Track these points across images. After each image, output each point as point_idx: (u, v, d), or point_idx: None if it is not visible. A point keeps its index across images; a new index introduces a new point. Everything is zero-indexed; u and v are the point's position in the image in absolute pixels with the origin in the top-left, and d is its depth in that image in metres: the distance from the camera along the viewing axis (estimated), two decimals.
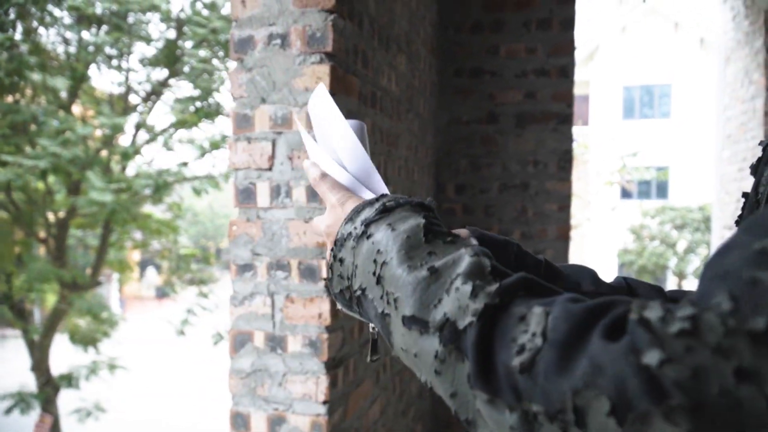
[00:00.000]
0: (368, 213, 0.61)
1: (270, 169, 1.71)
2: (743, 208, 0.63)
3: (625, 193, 20.22)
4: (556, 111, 3.01)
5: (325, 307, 1.72)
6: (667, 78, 21.59)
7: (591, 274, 0.73)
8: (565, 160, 3.03)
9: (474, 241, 0.55)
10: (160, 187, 8.53)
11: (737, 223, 0.63)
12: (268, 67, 1.68)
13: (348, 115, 1.79)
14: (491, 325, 0.45)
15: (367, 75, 1.94)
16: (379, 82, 2.08)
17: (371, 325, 0.64)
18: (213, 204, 21.65)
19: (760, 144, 0.63)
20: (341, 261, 0.61)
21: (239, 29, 1.69)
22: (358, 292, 0.58)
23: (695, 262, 16.52)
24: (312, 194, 1.69)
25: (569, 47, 2.98)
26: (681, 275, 16.78)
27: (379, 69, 2.08)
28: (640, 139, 19.81)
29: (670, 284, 17.84)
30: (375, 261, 0.56)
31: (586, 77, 20.71)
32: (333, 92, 1.65)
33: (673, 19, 20.27)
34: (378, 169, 2.08)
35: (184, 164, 9.22)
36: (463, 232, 0.71)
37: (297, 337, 1.73)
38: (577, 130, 20.31)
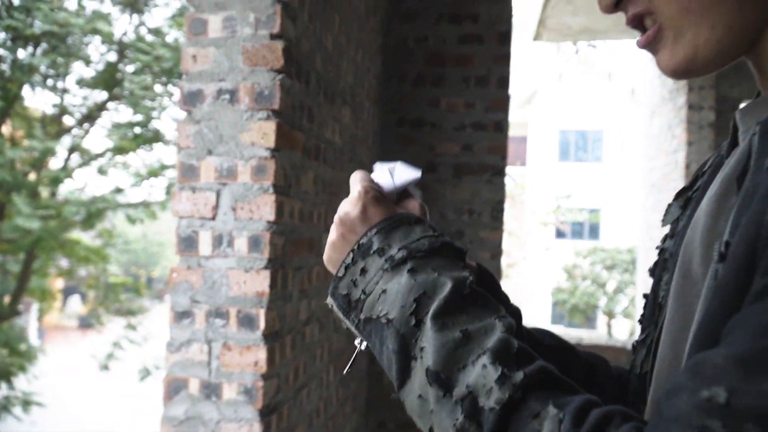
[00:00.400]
0: (406, 238, 0.60)
1: (213, 218, 1.74)
2: (645, 308, 0.68)
3: (560, 234, 20.90)
4: (491, 163, 3.16)
5: (261, 355, 1.75)
6: (600, 124, 22.68)
7: (549, 333, 0.79)
8: (498, 210, 3.18)
9: (503, 310, 0.57)
10: (92, 214, 8.30)
11: (641, 321, 0.68)
12: (216, 120, 1.73)
13: (293, 169, 1.85)
14: (509, 414, 0.49)
15: (312, 129, 2.02)
16: (323, 135, 2.16)
17: (359, 339, 0.64)
18: (147, 231, 21.07)
19: (656, 248, 0.69)
20: (363, 271, 0.60)
21: (189, 82, 1.74)
22: (383, 320, 0.57)
23: (623, 302, 17.18)
24: (254, 244, 1.73)
25: (504, 104, 3.16)
26: (610, 314, 17.40)
27: (323, 122, 2.16)
28: (574, 182, 20.60)
29: (600, 323, 18.46)
30: (417, 301, 0.56)
31: (524, 119, 21.49)
32: (278, 148, 1.72)
33: (606, 69, 21.41)
34: (319, 219, 2.14)
35: (119, 191, 9.01)
36: (470, 264, 0.72)
37: (232, 384, 1.75)
38: (514, 171, 20.98)
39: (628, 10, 0.56)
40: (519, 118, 20.96)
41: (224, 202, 1.74)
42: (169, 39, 8.88)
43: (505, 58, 3.17)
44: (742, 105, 0.58)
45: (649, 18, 0.55)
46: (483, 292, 0.59)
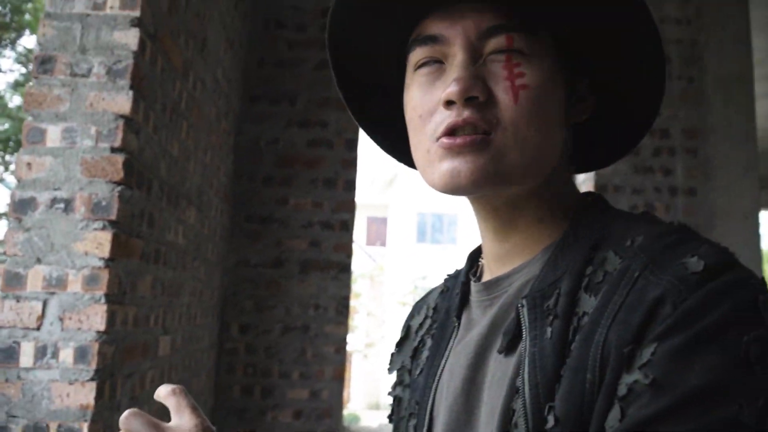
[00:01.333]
0: None
1: (38, 328, 1.70)
2: None
3: None
4: (337, 260, 3.31)
5: None
6: (455, 208, 24.03)
7: None
8: (343, 306, 3.31)
9: None
10: None
11: None
12: (48, 229, 1.72)
13: (129, 276, 1.86)
14: None
15: (152, 234, 2.05)
16: (164, 238, 2.19)
17: None
18: None
19: (389, 394, 0.77)
20: None
21: (21, 190, 1.73)
22: None
23: None
24: (81, 355, 1.70)
25: (351, 205, 3.36)
26: None
27: (166, 225, 2.20)
28: (430, 263, 21.43)
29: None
30: None
31: (385, 201, 22.29)
32: (113, 257, 1.74)
33: None
34: (156, 322, 2.14)
35: None
36: None
37: None
38: (374, 251, 21.52)
39: (463, 112, 0.56)
40: (380, 199, 21.74)
41: (51, 312, 1.71)
42: (11, 105, 8.37)
43: (352, 163, 3.40)
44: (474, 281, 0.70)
45: (469, 127, 0.57)
46: None
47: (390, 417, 0.76)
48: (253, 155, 3.34)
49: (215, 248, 2.98)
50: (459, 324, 0.68)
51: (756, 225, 3.60)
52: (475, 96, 0.56)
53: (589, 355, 0.51)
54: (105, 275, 1.72)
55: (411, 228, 22.87)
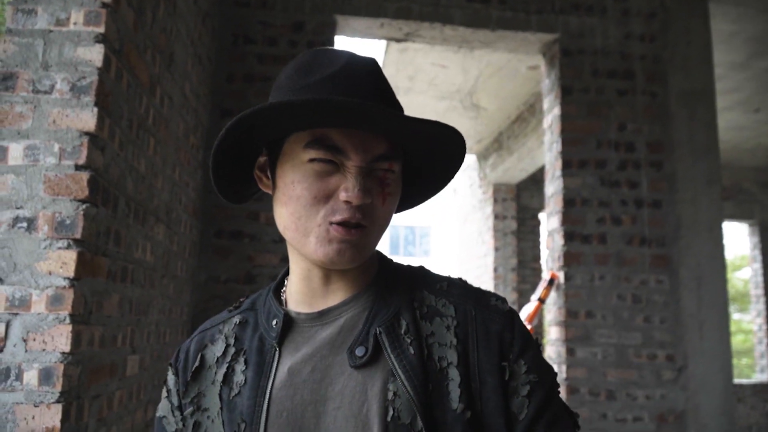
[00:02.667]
0: None
1: (1, 350, 1.66)
2: None
3: None
4: None
5: None
6: (428, 221, 24.14)
7: None
8: None
9: None
10: None
11: None
12: (10, 248, 1.68)
13: (94, 295, 1.83)
14: None
15: (119, 252, 2.02)
16: (132, 255, 2.16)
17: None
18: None
19: (181, 416, 0.85)
20: None
21: None
22: None
23: None
24: (46, 377, 1.66)
25: None
26: None
27: (133, 243, 2.17)
28: None
29: None
30: None
31: None
32: (78, 276, 1.71)
33: None
34: (124, 341, 2.10)
35: None
36: None
37: None
38: None
39: (356, 213, 0.77)
40: None
41: (14, 332, 1.67)
42: None
43: None
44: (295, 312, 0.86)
45: (354, 221, 0.77)
46: None
47: None
48: None
49: (185, 265, 2.95)
50: (280, 349, 0.81)
51: (720, 235, 3.68)
52: (367, 202, 0.77)
53: (470, 371, 0.77)
54: (70, 295, 1.69)
55: (384, 241, 22.89)
